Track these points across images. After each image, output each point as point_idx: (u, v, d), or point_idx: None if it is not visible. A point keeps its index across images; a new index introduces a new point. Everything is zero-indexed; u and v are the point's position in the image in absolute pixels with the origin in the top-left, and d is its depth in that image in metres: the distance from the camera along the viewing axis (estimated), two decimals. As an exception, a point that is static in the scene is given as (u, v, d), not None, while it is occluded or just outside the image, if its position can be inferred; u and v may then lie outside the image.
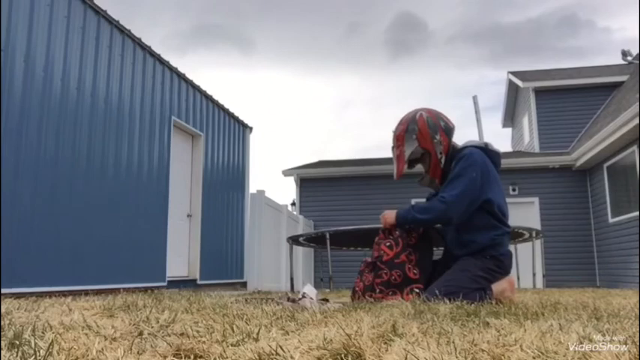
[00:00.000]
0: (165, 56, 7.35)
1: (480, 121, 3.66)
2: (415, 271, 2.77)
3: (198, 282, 7.89)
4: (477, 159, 2.87)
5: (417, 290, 2.70)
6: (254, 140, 10.98)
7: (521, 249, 8.99)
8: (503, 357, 0.99)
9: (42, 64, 5.15)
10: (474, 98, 3.61)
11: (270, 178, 48.88)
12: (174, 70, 7.64)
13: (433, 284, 2.68)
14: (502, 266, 2.87)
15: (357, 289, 2.87)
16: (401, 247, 2.81)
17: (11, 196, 4.63)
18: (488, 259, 2.83)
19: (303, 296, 2.48)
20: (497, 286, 2.77)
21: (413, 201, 10.01)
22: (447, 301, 2.33)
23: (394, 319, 1.59)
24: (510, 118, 16.98)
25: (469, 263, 2.79)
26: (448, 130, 3.02)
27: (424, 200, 3.15)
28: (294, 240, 7.79)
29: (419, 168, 3.16)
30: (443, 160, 2.98)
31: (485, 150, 3.00)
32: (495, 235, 2.86)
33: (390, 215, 2.94)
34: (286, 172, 13.20)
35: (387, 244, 2.84)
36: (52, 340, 1.09)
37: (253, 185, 13.63)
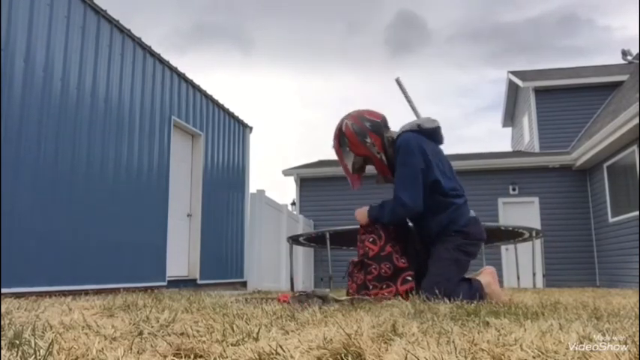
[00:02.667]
0: (165, 56, 7.35)
1: (411, 101, 3.56)
2: (403, 260, 2.79)
3: (198, 282, 7.89)
4: (412, 144, 2.86)
5: (410, 278, 2.72)
6: (254, 140, 10.98)
7: (522, 249, 9.00)
8: (503, 356, 0.99)
9: (42, 64, 5.15)
10: (397, 80, 3.52)
11: (270, 178, 48.88)
12: (174, 70, 7.64)
13: (423, 282, 2.69)
14: (470, 236, 2.88)
15: (350, 290, 2.87)
16: (384, 240, 2.83)
17: (11, 196, 4.63)
18: (453, 236, 2.83)
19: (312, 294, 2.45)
20: (481, 280, 2.77)
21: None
22: (447, 300, 2.33)
23: (394, 318, 1.59)
24: (510, 117, 16.98)
25: (440, 250, 2.81)
26: (376, 127, 2.99)
27: None
28: (294, 240, 7.79)
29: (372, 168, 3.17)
30: (384, 157, 2.99)
31: (420, 131, 2.98)
32: (451, 212, 2.86)
33: (362, 215, 2.98)
34: (286, 172, 13.20)
35: (370, 239, 2.86)
36: (52, 340, 1.09)
37: (253, 185, 13.65)
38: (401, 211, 2.87)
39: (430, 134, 3.00)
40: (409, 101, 3.53)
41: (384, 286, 2.71)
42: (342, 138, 3.02)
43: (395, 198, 2.86)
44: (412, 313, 1.81)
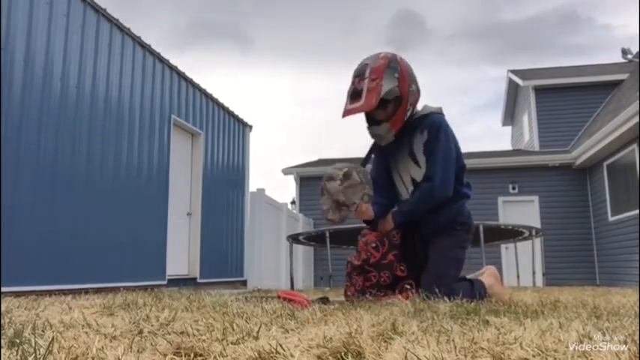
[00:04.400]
0: (165, 54, 7.35)
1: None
2: (402, 268, 2.73)
3: (198, 280, 7.90)
4: (450, 128, 2.78)
5: (409, 287, 2.68)
6: (254, 138, 10.99)
7: (521, 247, 9.01)
8: (503, 355, 0.99)
9: (41, 63, 5.14)
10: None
11: (270, 177, 48.89)
12: (173, 69, 7.63)
13: (423, 278, 2.65)
14: (470, 229, 2.85)
15: (348, 293, 2.83)
16: (387, 248, 2.73)
17: (11, 195, 4.63)
18: (458, 230, 2.77)
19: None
20: (484, 281, 2.76)
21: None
22: (447, 300, 2.33)
23: (394, 317, 1.59)
24: (510, 116, 16.98)
25: (443, 247, 2.72)
26: (418, 87, 2.81)
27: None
28: (294, 238, 7.80)
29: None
30: (409, 114, 2.75)
31: (444, 115, 2.86)
32: (461, 204, 2.80)
33: (388, 224, 2.79)
34: (286, 171, 13.20)
35: (374, 245, 2.75)
36: (52, 339, 1.09)
37: (253, 184, 13.64)
38: (433, 197, 2.68)
39: None
40: None
41: (382, 294, 2.69)
42: (395, 64, 2.69)
43: (431, 179, 2.68)
44: (412, 312, 1.81)
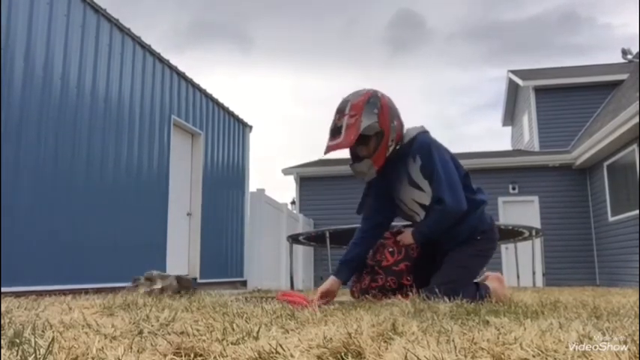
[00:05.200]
0: (165, 55, 7.35)
1: None
2: (409, 277, 2.74)
3: (198, 280, 7.89)
4: (438, 143, 2.76)
5: (410, 294, 2.66)
6: (254, 139, 10.99)
7: (521, 248, 9.00)
8: (503, 355, 0.99)
9: (41, 63, 5.15)
10: None
11: (270, 177, 48.91)
12: (173, 69, 7.63)
13: (432, 280, 2.65)
14: (492, 237, 2.83)
15: (354, 289, 2.86)
16: (402, 256, 2.74)
17: (11, 195, 4.63)
18: (479, 240, 2.75)
19: None
20: (489, 286, 2.76)
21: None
22: (447, 300, 2.33)
23: (394, 317, 1.59)
24: (510, 116, 16.98)
25: (464, 256, 2.70)
26: (401, 122, 2.78)
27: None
28: (294, 239, 7.79)
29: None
30: (391, 149, 2.71)
31: (427, 132, 2.84)
32: (480, 211, 2.78)
33: (408, 238, 2.77)
34: (286, 171, 13.20)
35: (390, 249, 2.77)
36: (52, 339, 1.09)
37: (253, 184, 13.64)
38: (449, 216, 2.66)
39: None
40: None
41: (384, 297, 2.71)
42: (375, 100, 2.68)
43: (442, 199, 2.65)
44: (412, 312, 1.81)
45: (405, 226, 2.92)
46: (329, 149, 2.67)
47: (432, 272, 2.74)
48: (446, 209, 2.64)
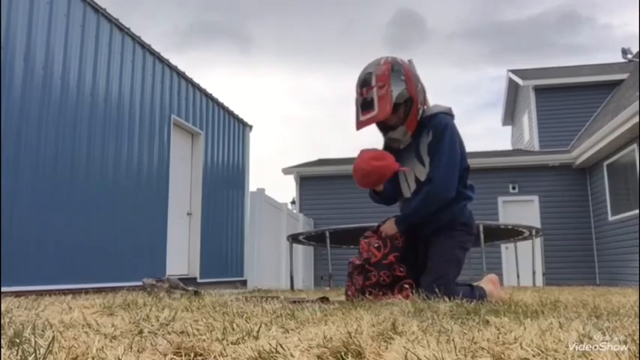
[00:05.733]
0: (165, 54, 7.35)
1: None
2: (402, 268, 2.74)
3: (198, 280, 7.89)
4: (456, 129, 2.76)
5: (407, 286, 2.68)
6: (254, 138, 10.99)
7: (521, 247, 9.00)
8: (503, 355, 0.99)
9: (41, 63, 5.14)
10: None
11: (270, 177, 48.91)
12: (173, 68, 7.63)
13: (422, 280, 2.65)
14: (470, 230, 2.84)
15: (349, 293, 2.85)
16: (389, 249, 2.74)
17: (11, 195, 4.63)
18: (459, 230, 2.76)
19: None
20: (484, 287, 2.76)
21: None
22: (447, 299, 2.33)
23: (394, 317, 1.59)
24: (510, 116, 16.97)
25: (444, 248, 2.71)
26: (422, 84, 2.79)
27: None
28: (294, 238, 7.79)
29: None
30: (421, 112, 2.71)
31: (452, 116, 2.85)
32: (462, 205, 2.79)
33: (391, 228, 2.79)
34: (286, 171, 13.19)
35: (376, 245, 2.76)
36: (52, 339, 1.09)
37: (253, 183, 13.62)
38: (435, 199, 2.67)
39: None
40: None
41: (381, 294, 2.71)
42: (398, 66, 2.65)
43: (433, 181, 2.67)
44: (412, 312, 1.81)
45: (384, 221, 2.93)
46: (363, 124, 2.66)
47: (417, 262, 2.77)
48: (434, 189, 2.67)
